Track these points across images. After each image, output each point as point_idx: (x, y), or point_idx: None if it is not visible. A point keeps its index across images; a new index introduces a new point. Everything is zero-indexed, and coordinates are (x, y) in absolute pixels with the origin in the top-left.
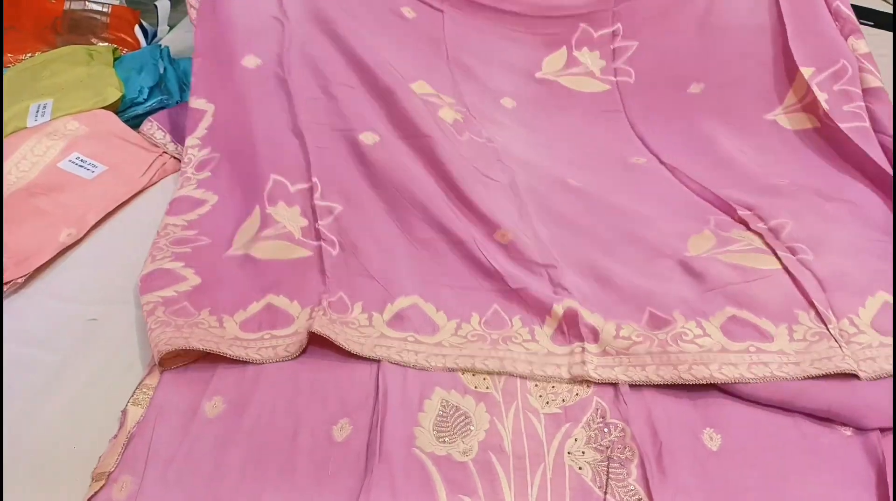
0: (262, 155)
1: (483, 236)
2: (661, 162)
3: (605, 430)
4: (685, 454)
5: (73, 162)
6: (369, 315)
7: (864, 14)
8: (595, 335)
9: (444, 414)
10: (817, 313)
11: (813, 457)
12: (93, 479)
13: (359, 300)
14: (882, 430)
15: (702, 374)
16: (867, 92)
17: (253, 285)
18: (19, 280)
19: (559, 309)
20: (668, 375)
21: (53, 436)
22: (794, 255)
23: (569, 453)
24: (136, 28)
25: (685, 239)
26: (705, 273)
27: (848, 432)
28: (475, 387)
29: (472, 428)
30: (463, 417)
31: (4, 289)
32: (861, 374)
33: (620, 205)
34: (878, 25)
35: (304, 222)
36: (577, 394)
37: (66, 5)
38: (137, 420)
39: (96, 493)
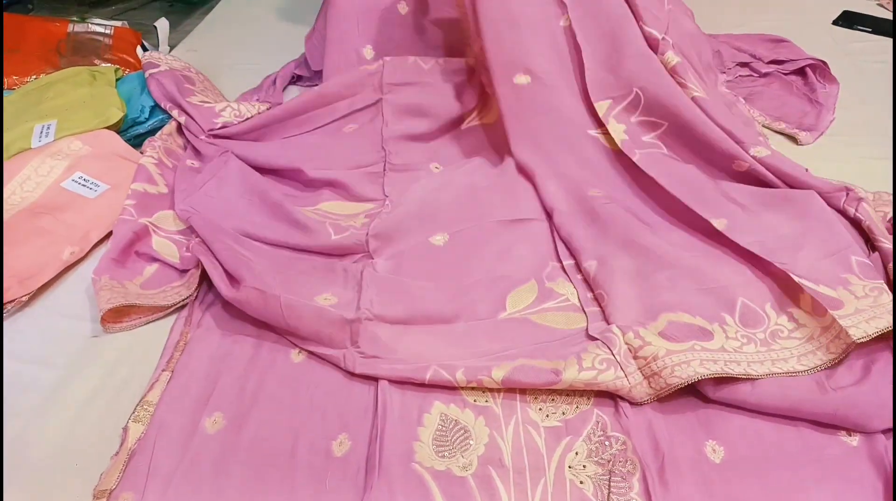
0: None
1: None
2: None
3: (607, 443)
4: (688, 467)
5: (77, 181)
6: None
7: (862, 21)
8: None
9: (444, 429)
10: (602, 340)
11: (818, 468)
12: (94, 497)
13: None
14: (885, 432)
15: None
16: None
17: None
18: (23, 298)
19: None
20: None
21: (54, 454)
22: (601, 304)
23: (569, 467)
24: (138, 48)
25: (506, 294)
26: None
27: (854, 442)
28: (474, 401)
29: (471, 443)
30: (462, 431)
31: (9, 308)
32: (645, 395)
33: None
34: (876, 32)
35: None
36: (577, 407)
37: (70, 28)
38: (138, 437)
39: None
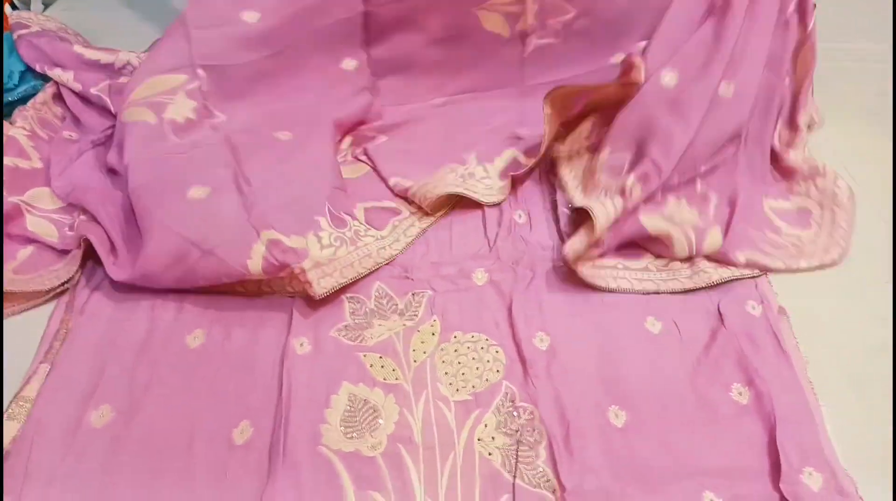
0: None
1: None
2: None
3: (515, 414)
4: (592, 432)
5: None
6: None
7: None
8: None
9: (352, 409)
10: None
11: (712, 428)
12: None
13: None
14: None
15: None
16: None
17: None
18: None
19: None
20: (369, 264)
21: None
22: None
23: (479, 439)
24: (7, 7)
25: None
26: None
27: (744, 400)
28: (384, 379)
29: (380, 421)
30: (371, 410)
31: None
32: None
33: None
34: None
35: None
36: (486, 380)
37: None
38: (13, 437)
39: None
